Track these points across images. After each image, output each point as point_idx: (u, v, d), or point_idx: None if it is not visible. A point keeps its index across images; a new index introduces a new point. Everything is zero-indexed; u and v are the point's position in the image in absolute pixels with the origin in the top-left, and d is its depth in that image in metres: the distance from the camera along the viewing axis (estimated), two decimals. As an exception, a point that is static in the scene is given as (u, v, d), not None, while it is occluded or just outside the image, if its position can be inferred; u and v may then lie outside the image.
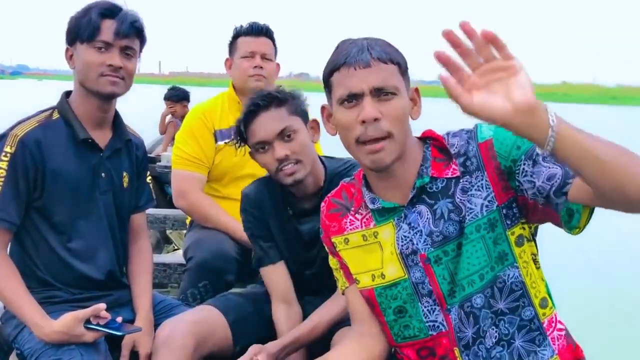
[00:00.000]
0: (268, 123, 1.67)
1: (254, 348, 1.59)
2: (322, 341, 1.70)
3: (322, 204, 1.43)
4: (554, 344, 1.26)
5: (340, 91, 1.22)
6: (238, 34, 2.51)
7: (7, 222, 1.65)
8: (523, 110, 0.90)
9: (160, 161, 4.82)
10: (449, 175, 1.25)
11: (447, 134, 1.30)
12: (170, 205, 2.73)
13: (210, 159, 2.46)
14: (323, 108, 1.33)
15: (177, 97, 6.14)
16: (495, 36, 0.90)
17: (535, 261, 1.29)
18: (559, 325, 1.29)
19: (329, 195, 1.43)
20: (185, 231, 3.50)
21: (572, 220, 1.14)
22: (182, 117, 6.05)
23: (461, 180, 1.24)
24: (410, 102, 1.26)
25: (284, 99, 1.70)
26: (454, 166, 1.25)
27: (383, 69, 1.20)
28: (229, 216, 2.36)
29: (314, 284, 1.83)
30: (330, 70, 1.24)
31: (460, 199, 1.24)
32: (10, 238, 1.69)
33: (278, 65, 2.58)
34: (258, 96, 1.71)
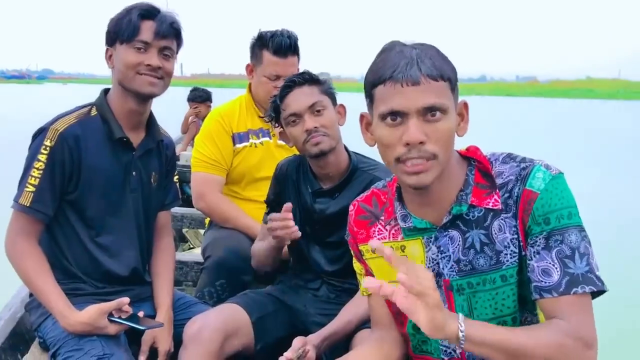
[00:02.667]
0: (301, 97, 1.81)
1: (298, 341, 1.62)
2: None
3: (351, 207, 1.41)
4: None
5: (383, 107, 1.13)
6: (264, 44, 2.45)
7: (42, 213, 1.69)
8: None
9: (179, 160, 4.86)
10: (489, 206, 1.19)
11: (495, 158, 1.22)
12: (187, 204, 2.76)
13: (229, 161, 2.49)
14: (362, 116, 1.25)
15: (201, 98, 6.24)
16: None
17: None
18: None
19: (358, 199, 1.40)
20: (201, 230, 3.52)
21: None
22: (204, 118, 6.09)
23: (499, 217, 1.18)
24: (457, 117, 1.17)
25: (317, 80, 1.85)
26: (496, 197, 1.18)
27: (433, 88, 1.10)
28: (248, 217, 2.39)
29: (328, 258, 1.89)
30: (374, 83, 1.15)
31: (496, 235, 1.18)
32: (42, 229, 1.74)
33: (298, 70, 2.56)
34: (295, 74, 1.87)
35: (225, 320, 1.73)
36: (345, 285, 1.87)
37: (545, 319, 1.16)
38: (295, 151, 1.95)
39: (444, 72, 1.12)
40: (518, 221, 1.17)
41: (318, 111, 1.79)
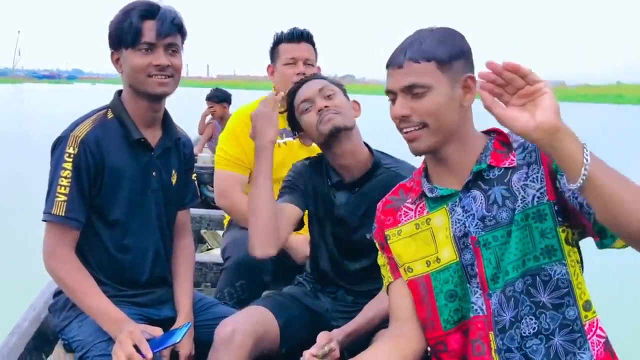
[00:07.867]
0: (311, 85, 1.85)
1: (322, 336, 1.59)
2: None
3: (379, 204, 1.48)
4: (593, 349, 1.24)
5: (385, 88, 1.32)
6: (279, 40, 2.52)
7: (77, 221, 1.67)
8: (543, 129, 1.04)
9: (196, 161, 4.86)
10: (506, 165, 1.29)
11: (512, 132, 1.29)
12: (205, 205, 2.77)
13: (252, 160, 2.47)
14: None
15: (218, 98, 6.24)
16: (517, 67, 1.05)
17: (581, 266, 1.28)
18: (599, 332, 1.26)
19: (386, 196, 1.49)
20: (219, 231, 3.53)
21: (606, 237, 1.17)
22: (220, 118, 6.17)
23: (518, 171, 1.27)
24: (459, 91, 1.28)
25: (326, 77, 1.93)
26: (512, 157, 1.29)
27: (414, 69, 1.25)
28: None
29: (351, 250, 1.87)
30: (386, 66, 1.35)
31: (516, 187, 1.27)
32: (77, 237, 1.71)
33: (319, 68, 2.60)
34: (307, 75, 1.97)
35: (256, 323, 1.72)
36: (364, 288, 1.85)
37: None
38: (318, 150, 1.93)
39: (429, 55, 1.25)
40: (543, 167, 1.25)
41: (328, 96, 1.80)
